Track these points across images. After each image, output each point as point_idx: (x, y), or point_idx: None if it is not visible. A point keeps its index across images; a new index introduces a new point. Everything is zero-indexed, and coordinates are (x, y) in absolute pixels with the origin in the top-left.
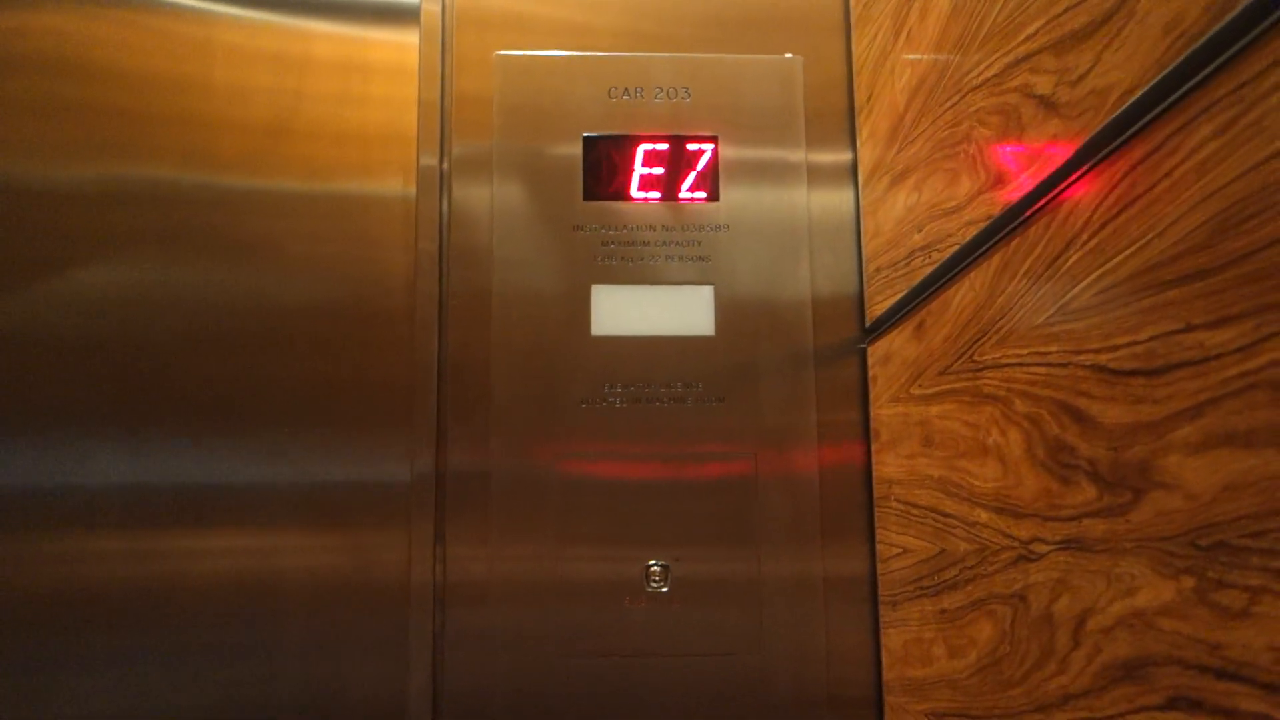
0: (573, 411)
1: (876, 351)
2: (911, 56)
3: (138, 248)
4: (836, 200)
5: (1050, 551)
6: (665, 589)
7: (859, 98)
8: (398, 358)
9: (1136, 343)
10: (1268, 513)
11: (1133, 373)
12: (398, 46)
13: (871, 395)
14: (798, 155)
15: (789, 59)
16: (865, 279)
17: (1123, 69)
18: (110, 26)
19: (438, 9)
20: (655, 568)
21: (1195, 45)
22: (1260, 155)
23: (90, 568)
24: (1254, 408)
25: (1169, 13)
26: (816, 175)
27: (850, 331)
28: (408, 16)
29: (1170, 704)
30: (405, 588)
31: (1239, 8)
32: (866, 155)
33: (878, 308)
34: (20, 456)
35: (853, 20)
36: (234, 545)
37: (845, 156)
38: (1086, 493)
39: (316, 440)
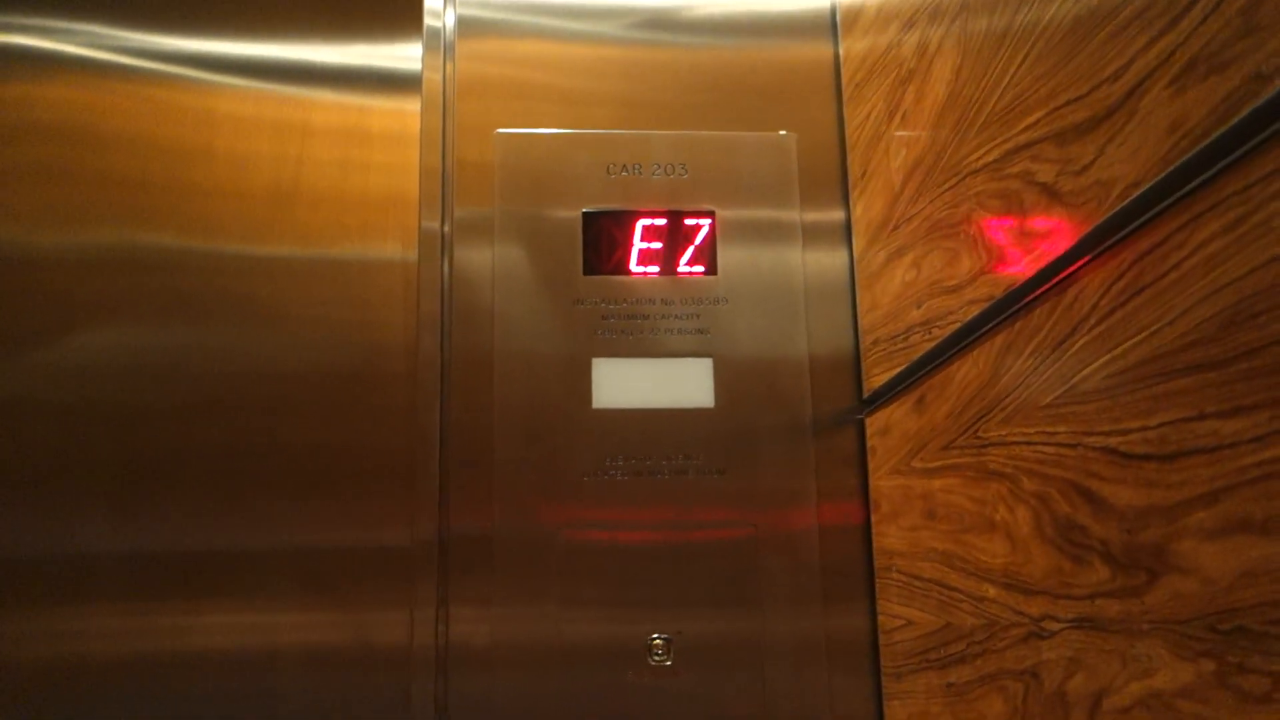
0: (575, 483)
1: (875, 423)
2: (906, 134)
3: (138, 314)
4: (832, 264)
5: (1063, 629)
6: (669, 662)
7: (853, 172)
8: (400, 421)
9: (1148, 428)
10: None
11: (1145, 457)
12: (399, 114)
13: (870, 466)
14: (792, 221)
15: (783, 136)
16: (862, 351)
17: (1127, 163)
18: (114, 98)
19: (439, 78)
20: (658, 640)
21: (1201, 145)
22: (1269, 254)
23: (85, 643)
24: (1271, 496)
25: (1172, 113)
26: (811, 241)
27: (848, 401)
28: (409, 85)
29: None
30: (407, 653)
31: (1245, 111)
32: (861, 229)
33: (876, 380)
34: (15, 526)
35: (845, 97)
36: (233, 619)
37: (839, 216)
38: (1100, 573)
39: (317, 506)
